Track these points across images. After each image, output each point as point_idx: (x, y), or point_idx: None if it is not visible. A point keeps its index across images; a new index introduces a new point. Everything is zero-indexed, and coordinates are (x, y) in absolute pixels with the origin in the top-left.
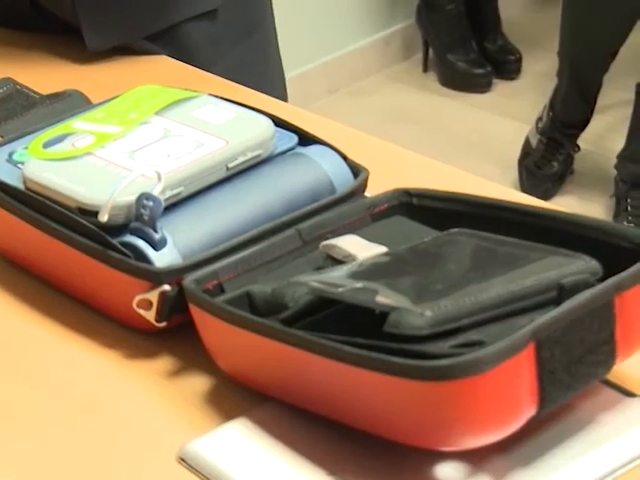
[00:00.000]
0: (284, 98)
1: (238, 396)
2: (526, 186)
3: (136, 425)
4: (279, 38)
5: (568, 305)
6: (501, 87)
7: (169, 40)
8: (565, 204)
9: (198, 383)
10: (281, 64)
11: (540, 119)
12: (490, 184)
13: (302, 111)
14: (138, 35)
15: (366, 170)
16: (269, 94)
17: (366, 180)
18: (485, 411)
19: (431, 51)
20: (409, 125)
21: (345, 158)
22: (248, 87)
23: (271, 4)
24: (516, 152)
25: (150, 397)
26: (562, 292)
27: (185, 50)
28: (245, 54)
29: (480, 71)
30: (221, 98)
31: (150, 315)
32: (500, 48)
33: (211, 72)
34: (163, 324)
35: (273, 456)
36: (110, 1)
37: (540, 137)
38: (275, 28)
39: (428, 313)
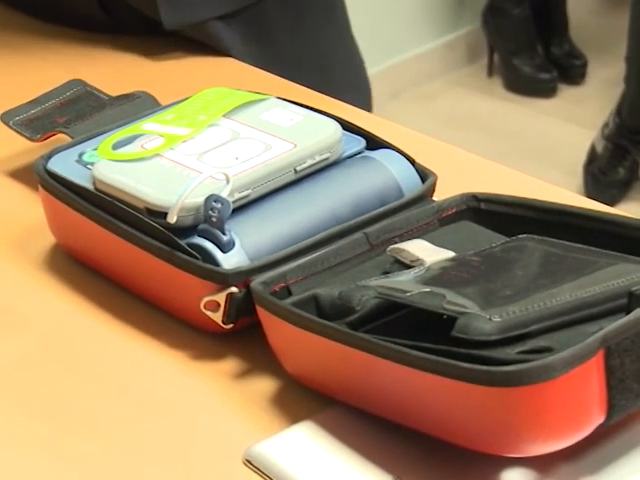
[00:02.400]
0: (367, 86)
1: (304, 399)
2: (591, 192)
3: (202, 426)
4: None
5: (638, 313)
6: (567, 93)
7: (243, 20)
8: (630, 211)
9: (264, 385)
10: (358, 51)
11: (606, 125)
12: (557, 189)
13: (368, 114)
14: (214, 13)
15: (434, 174)
16: (353, 81)
17: (434, 184)
18: (553, 418)
19: (496, 56)
20: (473, 130)
21: (413, 162)
22: (331, 72)
23: None
24: (581, 158)
25: (216, 398)
26: (632, 300)
27: (260, 31)
28: (324, 38)
29: (546, 76)
30: (289, 101)
31: (217, 317)
32: (566, 53)
33: (287, 55)
34: (230, 326)
35: (339, 459)
36: None
37: (606, 143)
38: (347, 14)
39: (496, 319)
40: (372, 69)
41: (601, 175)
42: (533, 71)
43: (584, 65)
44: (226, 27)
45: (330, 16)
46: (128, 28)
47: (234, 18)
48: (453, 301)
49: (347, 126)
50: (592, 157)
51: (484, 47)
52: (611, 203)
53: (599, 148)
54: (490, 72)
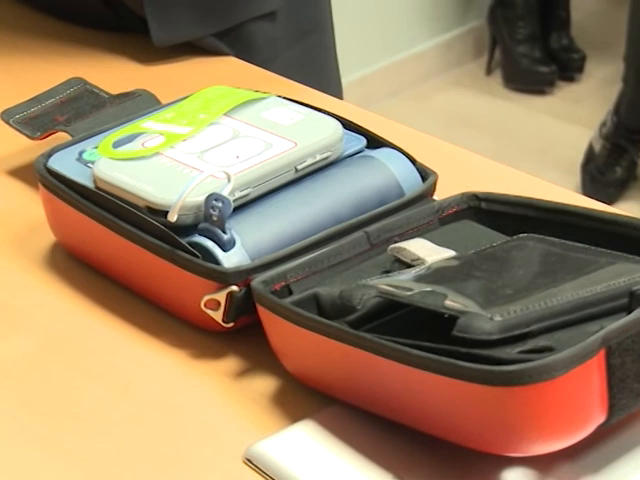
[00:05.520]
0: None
1: (305, 398)
2: (589, 191)
3: (202, 425)
4: (340, 41)
5: (639, 312)
6: (564, 92)
7: (232, 39)
8: (628, 210)
9: (264, 384)
10: (338, 67)
11: (604, 124)
12: (557, 189)
13: (368, 113)
14: (203, 32)
15: (435, 173)
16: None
17: (435, 183)
18: (554, 417)
19: (496, 53)
20: (471, 129)
21: (414, 161)
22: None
23: (330, 6)
24: (579, 157)
25: (216, 397)
26: (633, 299)
27: (246, 50)
28: (301, 55)
29: (544, 69)
30: (290, 99)
31: (218, 315)
32: (564, 47)
33: (278, 71)
34: (230, 324)
35: (340, 458)
36: None
37: (604, 142)
38: (333, 31)
39: (497, 318)
40: (371, 67)
41: (599, 174)
42: (532, 64)
43: (582, 59)
44: (218, 42)
45: (322, 35)
46: (129, 24)
47: (226, 34)
48: (454, 300)
49: (348, 125)
50: (590, 156)
51: (483, 46)
52: (608, 202)
53: (597, 147)
54: (489, 70)
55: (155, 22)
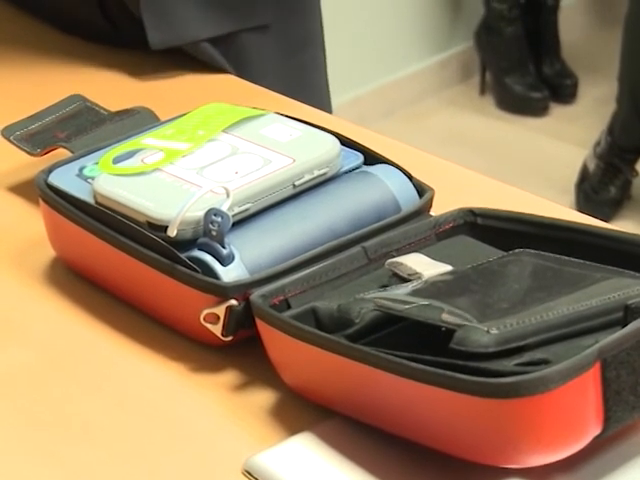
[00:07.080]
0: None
1: (303, 411)
2: (583, 210)
3: (201, 438)
4: (334, 61)
5: (634, 326)
6: (558, 111)
7: (225, 49)
8: (622, 229)
9: (263, 397)
10: (328, 84)
11: (598, 144)
12: (553, 205)
13: (365, 130)
14: (198, 37)
15: (431, 189)
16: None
17: (431, 199)
18: (550, 429)
19: (488, 74)
20: (465, 148)
21: (410, 177)
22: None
23: (321, 23)
24: (573, 176)
25: (215, 410)
26: (628, 313)
27: (238, 62)
28: (292, 71)
29: (537, 95)
30: (287, 116)
31: (217, 329)
32: (557, 72)
33: (271, 85)
34: (229, 338)
35: (338, 470)
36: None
37: (598, 162)
38: (324, 48)
39: (494, 331)
40: (366, 87)
41: (593, 193)
42: (524, 90)
43: (575, 85)
44: (213, 50)
45: (314, 52)
46: (129, 38)
47: (221, 42)
48: (451, 314)
49: (345, 141)
50: (584, 175)
51: (476, 66)
52: (603, 221)
53: (591, 167)
54: (482, 90)
55: (151, 25)
